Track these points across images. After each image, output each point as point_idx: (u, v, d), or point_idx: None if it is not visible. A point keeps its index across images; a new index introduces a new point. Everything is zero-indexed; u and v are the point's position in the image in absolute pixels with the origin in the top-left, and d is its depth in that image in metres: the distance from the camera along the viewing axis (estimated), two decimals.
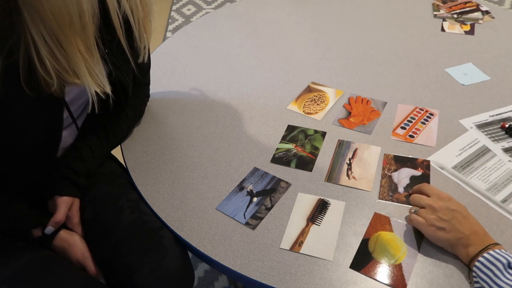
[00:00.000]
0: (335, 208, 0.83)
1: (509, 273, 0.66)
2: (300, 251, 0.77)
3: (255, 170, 0.92)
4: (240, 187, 0.88)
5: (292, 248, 0.78)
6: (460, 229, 0.72)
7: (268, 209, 0.84)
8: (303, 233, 0.80)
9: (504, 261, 0.66)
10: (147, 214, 0.86)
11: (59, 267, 0.79)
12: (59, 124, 0.83)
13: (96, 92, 0.77)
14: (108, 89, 0.79)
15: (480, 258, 0.68)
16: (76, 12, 0.66)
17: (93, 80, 0.75)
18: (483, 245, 0.70)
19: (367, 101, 1.07)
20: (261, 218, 0.82)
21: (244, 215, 0.83)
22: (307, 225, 0.81)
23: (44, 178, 0.87)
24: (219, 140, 0.99)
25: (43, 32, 0.67)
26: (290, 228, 0.81)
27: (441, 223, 0.74)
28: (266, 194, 0.87)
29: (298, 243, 0.78)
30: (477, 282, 0.68)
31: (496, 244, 0.70)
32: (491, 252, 0.68)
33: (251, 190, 0.88)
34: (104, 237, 0.84)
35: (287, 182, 0.89)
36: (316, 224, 0.81)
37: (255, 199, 0.86)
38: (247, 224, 0.82)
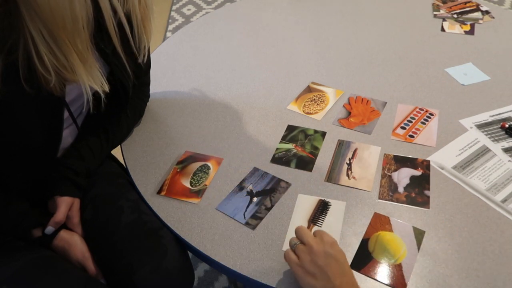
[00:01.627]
0: (336, 209, 0.83)
1: None
2: None
3: (255, 170, 0.92)
4: (240, 187, 0.88)
5: None
6: (331, 278, 0.65)
7: (268, 209, 0.84)
8: None
9: None
10: (147, 214, 0.86)
11: (59, 267, 0.79)
12: (59, 124, 0.83)
13: (96, 91, 0.77)
14: (106, 87, 0.79)
15: None
16: (69, 17, 0.66)
17: (89, 78, 0.75)
18: None
19: (367, 101, 1.07)
20: (261, 218, 0.82)
21: (244, 215, 0.83)
22: (308, 226, 0.81)
23: (44, 178, 0.87)
24: (219, 140, 0.99)
25: (42, 29, 0.67)
26: (292, 230, 0.81)
27: (312, 267, 0.66)
28: (266, 194, 0.87)
29: None
30: None
31: None
32: None
33: (251, 190, 0.88)
34: (104, 237, 0.84)
35: (287, 182, 0.89)
36: (318, 225, 0.81)
37: (255, 199, 0.86)
38: (247, 224, 0.82)
